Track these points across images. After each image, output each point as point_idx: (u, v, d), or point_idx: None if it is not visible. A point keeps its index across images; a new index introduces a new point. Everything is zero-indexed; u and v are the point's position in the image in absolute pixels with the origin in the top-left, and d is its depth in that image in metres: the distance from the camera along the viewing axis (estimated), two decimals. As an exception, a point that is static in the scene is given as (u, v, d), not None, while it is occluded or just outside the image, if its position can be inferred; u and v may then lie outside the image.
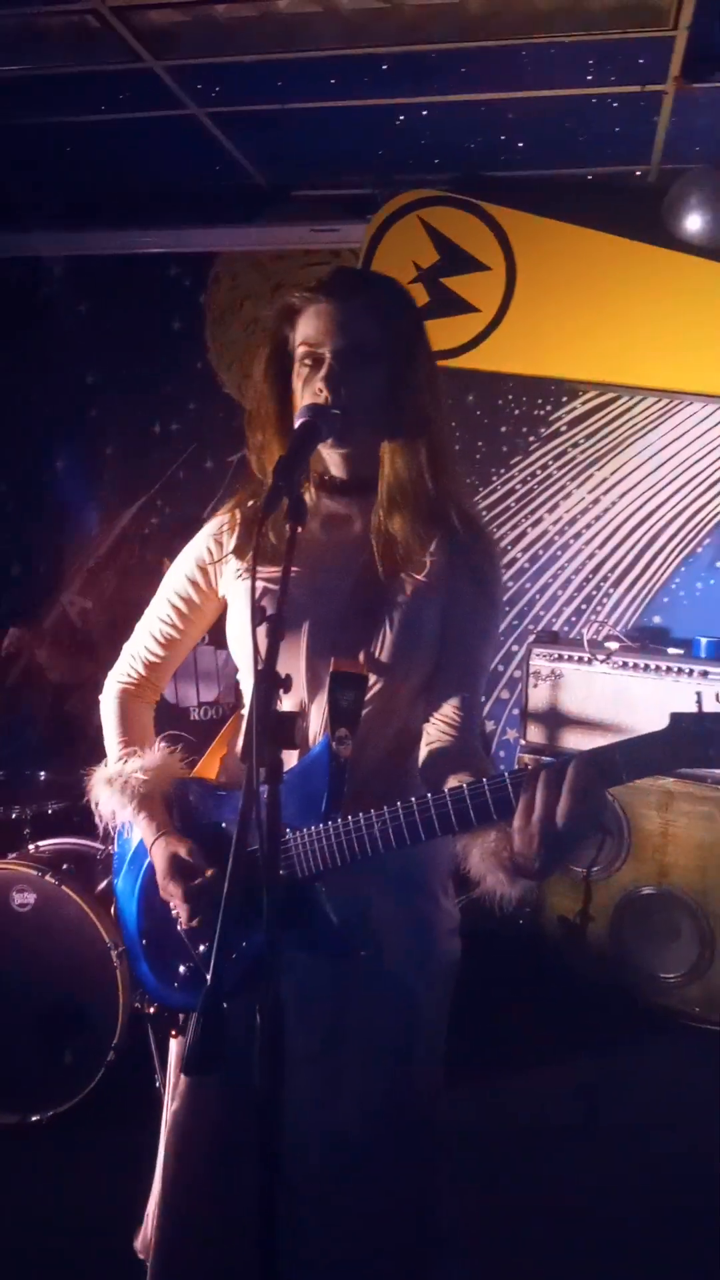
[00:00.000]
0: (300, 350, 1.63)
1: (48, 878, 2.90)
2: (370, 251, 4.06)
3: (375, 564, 1.65)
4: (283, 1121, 1.21)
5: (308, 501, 1.65)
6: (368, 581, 1.66)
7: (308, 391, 1.61)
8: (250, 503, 1.75)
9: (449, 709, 1.66)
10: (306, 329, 1.62)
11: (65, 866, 3.00)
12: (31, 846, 3.15)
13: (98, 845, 3.10)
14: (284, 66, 3.19)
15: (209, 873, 1.63)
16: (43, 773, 3.36)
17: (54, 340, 4.66)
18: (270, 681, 1.30)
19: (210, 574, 1.78)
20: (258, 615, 1.32)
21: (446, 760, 1.62)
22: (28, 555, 4.69)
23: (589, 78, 3.20)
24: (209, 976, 1.25)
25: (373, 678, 1.64)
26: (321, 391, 1.58)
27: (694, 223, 3.65)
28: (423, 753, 1.66)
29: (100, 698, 1.88)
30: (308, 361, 1.62)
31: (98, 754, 1.85)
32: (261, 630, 1.31)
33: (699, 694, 2.42)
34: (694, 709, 1.39)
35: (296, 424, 1.54)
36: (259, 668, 1.30)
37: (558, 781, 1.37)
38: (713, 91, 3.19)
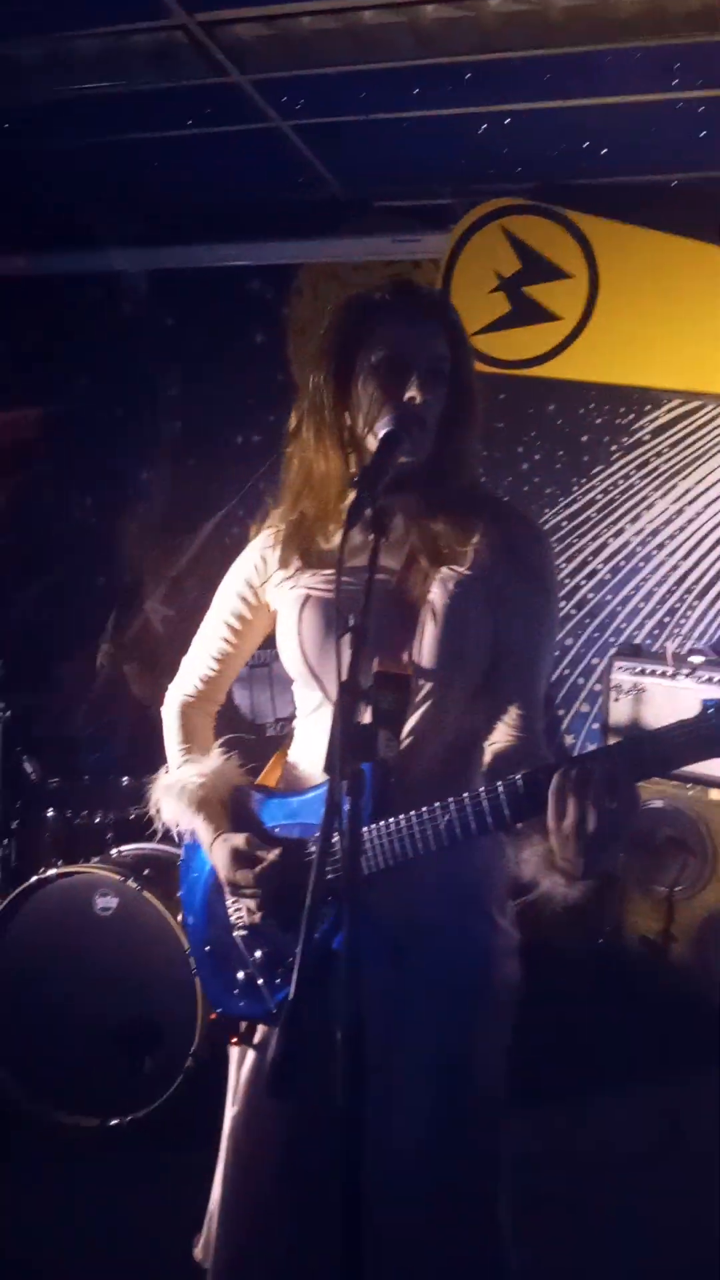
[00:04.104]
0: (379, 355, 1.61)
1: (129, 882, 2.93)
2: (451, 262, 4.05)
3: (417, 562, 1.65)
4: (364, 1140, 1.19)
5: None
6: (410, 580, 1.65)
7: (387, 399, 1.59)
8: (294, 516, 1.74)
9: (511, 709, 1.62)
10: (394, 337, 1.61)
11: (146, 872, 3.03)
12: (114, 851, 3.19)
13: (178, 851, 3.11)
14: (366, 77, 3.21)
15: (271, 855, 1.62)
16: (125, 778, 3.41)
17: (138, 355, 4.72)
18: (352, 693, 1.29)
19: (260, 589, 1.78)
20: (341, 626, 1.31)
21: (510, 762, 1.56)
22: (112, 567, 4.76)
23: (674, 82, 3.16)
24: (291, 992, 1.24)
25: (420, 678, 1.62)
26: (416, 398, 1.57)
27: (782, 227, 3.58)
28: (486, 755, 1.63)
29: (162, 710, 1.90)
30: (382, 369, 1.60)
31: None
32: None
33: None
34: None
35: (380, 432, 1.54)
36: (341, 679, 1.29)
37: (585, 778, 1.33)
38: None
